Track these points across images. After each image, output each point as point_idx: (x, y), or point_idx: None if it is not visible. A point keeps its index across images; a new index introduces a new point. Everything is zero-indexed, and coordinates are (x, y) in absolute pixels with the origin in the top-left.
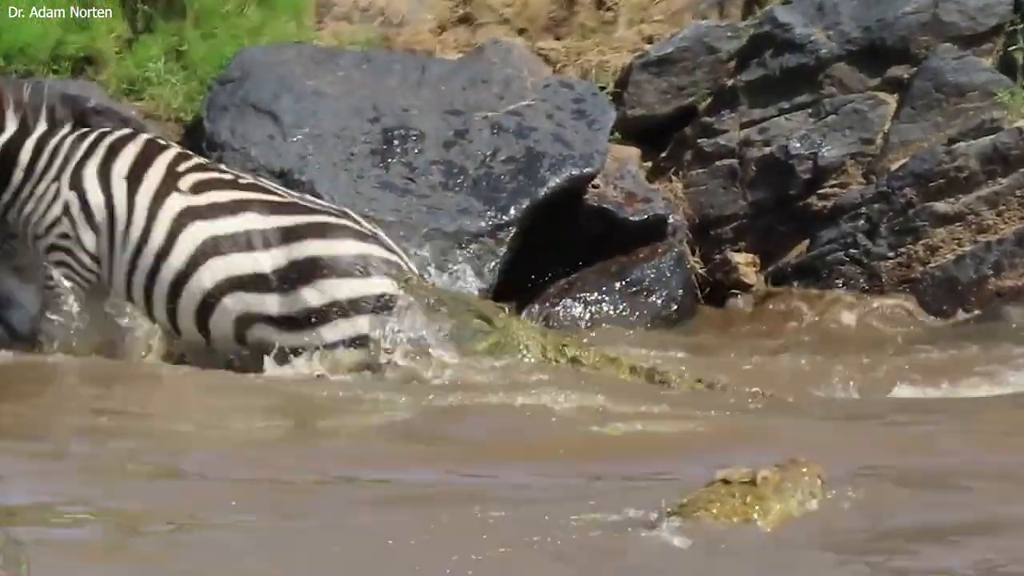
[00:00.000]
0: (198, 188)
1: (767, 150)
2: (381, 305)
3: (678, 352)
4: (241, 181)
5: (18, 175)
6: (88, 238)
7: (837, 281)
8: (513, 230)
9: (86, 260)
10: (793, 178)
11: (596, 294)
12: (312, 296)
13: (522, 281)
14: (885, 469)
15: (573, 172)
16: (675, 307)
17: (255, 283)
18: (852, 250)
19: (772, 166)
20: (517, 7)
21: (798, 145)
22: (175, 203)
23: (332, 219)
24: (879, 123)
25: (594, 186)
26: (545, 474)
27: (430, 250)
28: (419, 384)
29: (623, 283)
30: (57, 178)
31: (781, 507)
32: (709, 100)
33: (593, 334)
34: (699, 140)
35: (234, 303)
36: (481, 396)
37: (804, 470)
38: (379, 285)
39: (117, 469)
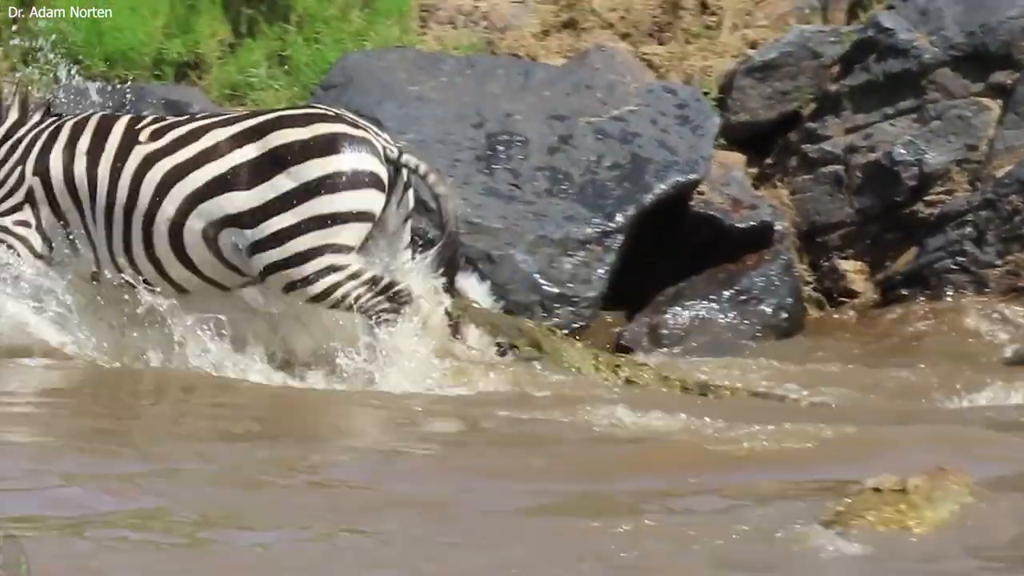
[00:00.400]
0: (157, 134)
1: (872, 156)
2: (350, 183)
3: (791, 365)
4: (200, 116)
5: None
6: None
7: (946, 289)
8: (620, 237)
9: (37, 247)
10: (899, 185)
11: (704, 302)
12: (282, 182)
13: (629, 288)
14: None
15: (678, 178)
16: (785, 315)
17: (217, 187)
18: (960, 258)
19: (877, 173)
20: (621, 12)
21: (903, 151)
22: (136, 154)
23: (302, 111)
24: (983, 129)
25: (699, 192)
26: (687, 488)
27: (537, 257)
28: (522, 397)
29: (732, 291)
30: (22, 162)
31: (934, 515)
32: (813, 106)
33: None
34: (803, 146)
35: (197, 217)
36: (580, 410)
37: (952, 478)
38: (351, 161)
39: (256, 480)
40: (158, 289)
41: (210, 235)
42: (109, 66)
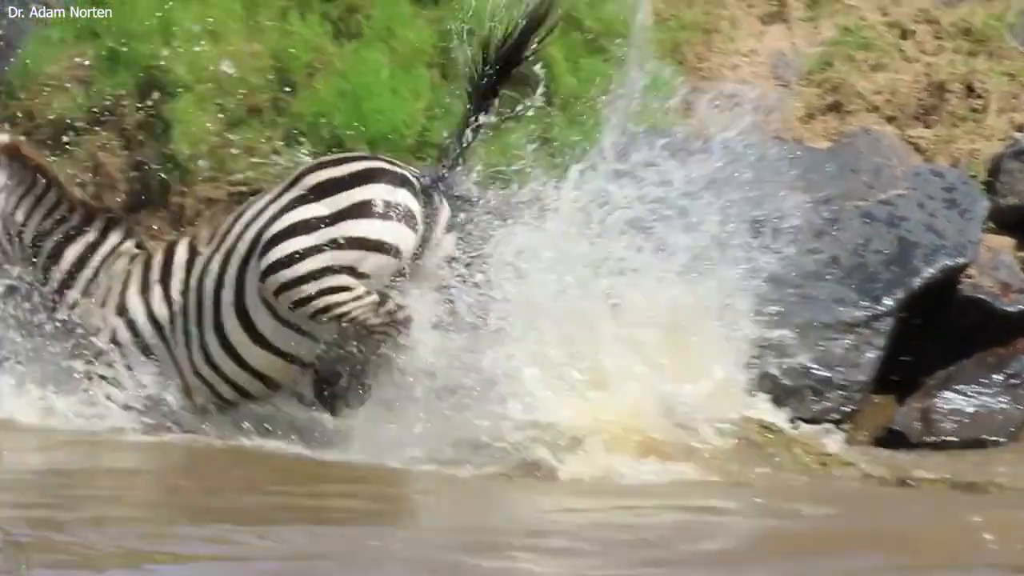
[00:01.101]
0: (213, 237)
1: None
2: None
3: None
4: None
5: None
6: (136, 363)
7: None
8: (889, 320)
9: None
10: None
11: (976, 386)
12: (313, 209)
13: (897, 372)
14: None
15: (947, 262)
16: None
17: (264, 246)
18: None
19: None
20: (886, 95)
21: None
22: (199, 263)
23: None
24: None
25: (967, 276)
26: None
27: (806, 341)
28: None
29: (1003, 375)
30: (104, 304)
31: None
32: None
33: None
34: None
35: (252, 283)
36: None
37: None
38: (384, 192)
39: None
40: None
41: (267, 297)
42: (371, 148)
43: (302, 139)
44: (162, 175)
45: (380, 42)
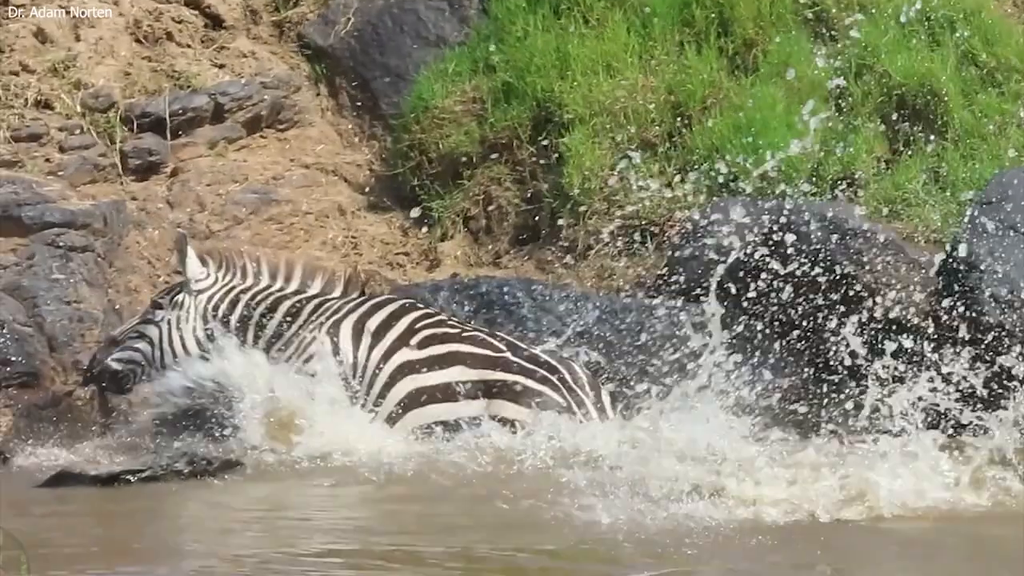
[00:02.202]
0: (424, 343)
1: None
2: None
3: None
4: (465, 334)
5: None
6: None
7: None
8: None
9: None
10: None
11: None
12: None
13: None
14: None
15: None
16: None
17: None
18: None
19: None
20: None
21: None
22: (399, 357)
23: (531, 382)
24: None
25: None
26: None
27: None
28: None
29: None
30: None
31: None
32: None
33: None
34: None
35: None
36: None
37: None
38: None
39: None
40: None
41: None
42: (767, 182)
43: (695, 173)
44: (554, 208)
45: (776, 77)
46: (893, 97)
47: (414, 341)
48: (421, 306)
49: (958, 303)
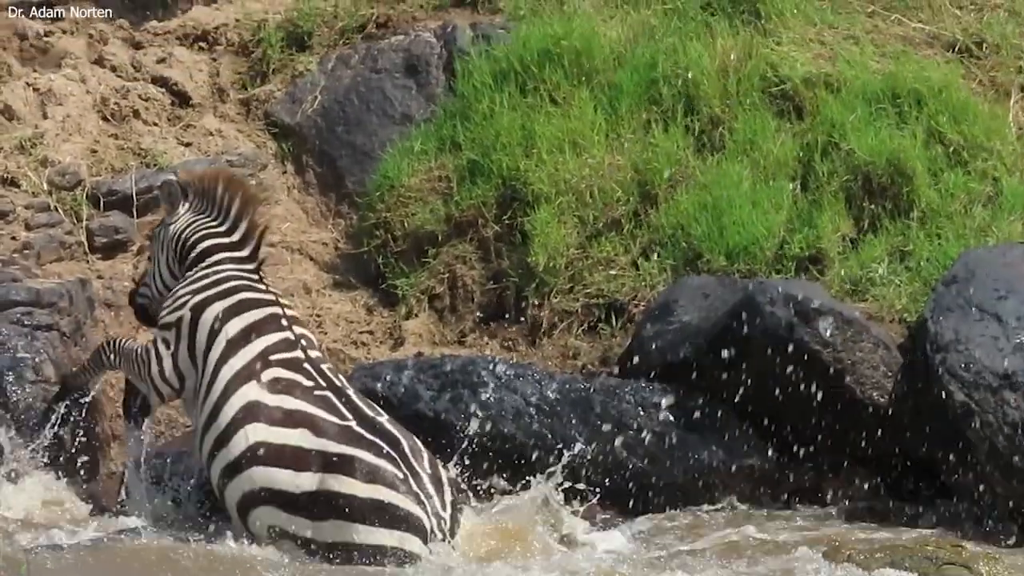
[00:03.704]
0: (274, 386)
1: None
2: (397, 559)
3: None
4: (316, 392)
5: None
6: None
7: None
8: None
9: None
10: None
11: None
12: (330, 531)
13: None
14: None
15: None
16: None
17: (288, 502)
18: None
19: None
20: None
21: None
22: (248, 391)
23: (369, 456)
24: None
25: None
26: None
27: None
28: None
29: None
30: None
31: None
32: None
33: None
34: None
35: (266, 514)
36: None
37: None
38: (390, 537)
39: None
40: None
41: (272, 532)
42: (729, 261)
43: (660, 251)
44: (519, 286)
45: (742, 155)
46: (859, 175)
47: (266, 378)
48: (286, 324)
49: (922, 382)
